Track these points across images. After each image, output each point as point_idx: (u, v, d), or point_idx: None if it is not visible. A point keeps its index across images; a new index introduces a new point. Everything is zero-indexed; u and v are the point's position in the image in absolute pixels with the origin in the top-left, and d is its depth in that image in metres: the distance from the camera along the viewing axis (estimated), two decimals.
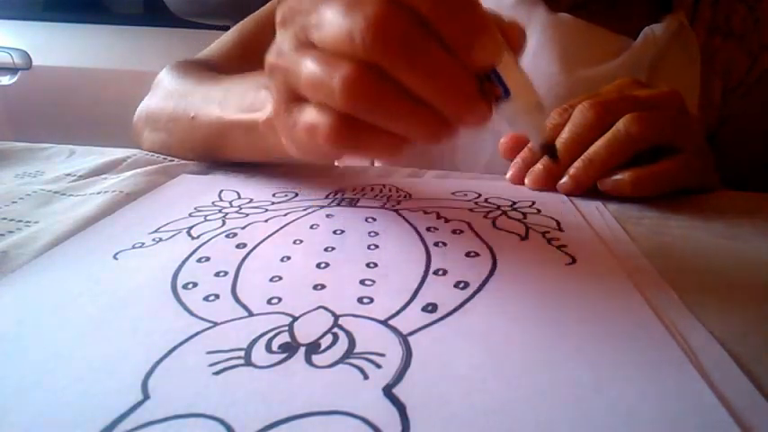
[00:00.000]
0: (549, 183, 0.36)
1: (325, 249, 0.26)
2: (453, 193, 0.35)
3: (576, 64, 0.48)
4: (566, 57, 0.48)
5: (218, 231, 0.29)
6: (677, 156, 0.34)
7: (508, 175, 0.38)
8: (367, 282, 0.23)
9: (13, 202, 0.33)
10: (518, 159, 0.38)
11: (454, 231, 0.28)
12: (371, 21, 0.19)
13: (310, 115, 0.22)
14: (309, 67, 0.21)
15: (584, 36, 0.49)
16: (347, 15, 0.20)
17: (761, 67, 0.50)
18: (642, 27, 0.48)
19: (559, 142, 0.34)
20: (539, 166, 0.36)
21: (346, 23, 0.20)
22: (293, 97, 0.23)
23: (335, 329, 0.19)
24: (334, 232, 0.28)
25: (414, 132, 0.22)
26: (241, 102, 0.35)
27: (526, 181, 0.37)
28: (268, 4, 0.60)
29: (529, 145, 0.36)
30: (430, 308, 0.21)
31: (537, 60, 0.49)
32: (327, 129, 0.21)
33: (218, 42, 0.58)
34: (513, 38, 0.23)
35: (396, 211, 0.32)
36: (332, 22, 0.21)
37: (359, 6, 0.20)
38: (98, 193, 0.35)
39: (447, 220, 0.30)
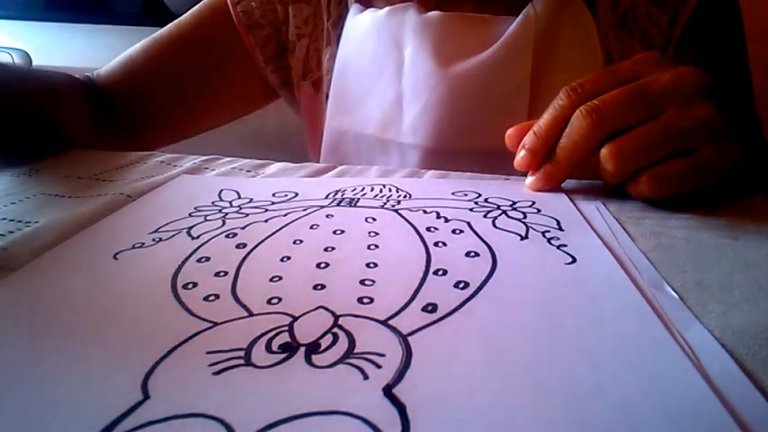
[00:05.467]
0: (548, 187, 0.36)
1: (325, 249, 0.26)
2: (453, 193, 0.35)
3: (452, 59, 0.47)
4: (439, 55, 0.48)
5: (218, 231, 0.29)
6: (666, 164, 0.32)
7: (515, 162, 0.36)
8: (367, 282, 0.23)
9: (12, 203, 0.33)
10: (522, 144, 0.36)
11: (454, 231, 0.28)
12: None
13: None
14: None
15: (457, 29, 0.48)
16: None
17: (683, 21, 0.48)
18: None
19: (558, 147, 0.34)
20: (540, 171, 0.36)
21: None
22: None
23: (335, 329, 0.19)
24: (334, 232, 0.28)
25: None
26: None
27: (526, 183, 0.36)
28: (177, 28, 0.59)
29: (533, 128, 0.35)
30: (430, 308, 0.21)
31: (414, 65, 0.49)
32: None
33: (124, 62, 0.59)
34: None
35: (396, 211, 0.32)
36: None
37: None
38: (98, 195, 0.35)
39: (447, 220, 0.30)
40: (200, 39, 0.59)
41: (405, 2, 0.51)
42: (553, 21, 0.47)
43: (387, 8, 0.51)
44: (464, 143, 0.39)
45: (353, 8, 0.54)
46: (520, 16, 0.46)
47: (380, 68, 0.51)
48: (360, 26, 0.53)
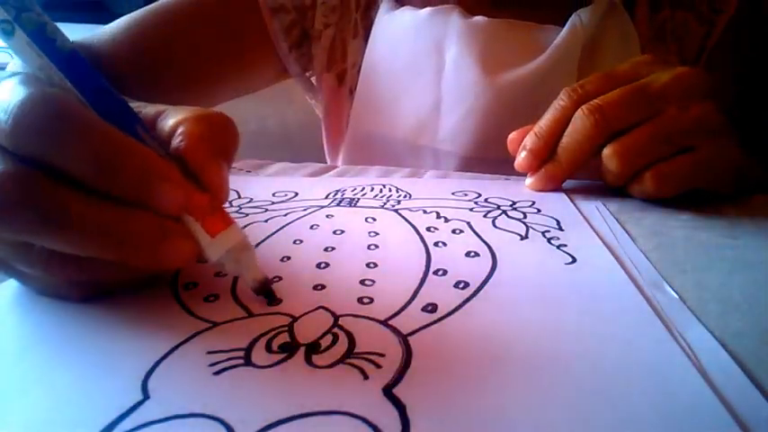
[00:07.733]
0: (549, 187, 0.36)
1: (325, 249, 0.26)
2: (453, 193, 0.35)
3: (498, 67, 0.46)
4: (484, 62, 0.46)
5: None
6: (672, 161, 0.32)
7: (516, 163, 0.37)
8: (367, 282, 0.23)
9: None
10: (522, 145, 0.36)
11: (454, 231, 0.28)
12: None
13: None
14: None
15: (503, 36, 0.47)
16: None
17: (718, 31, 0.48)
18: (573, 12, 0.46)
19: (560, 147, 0.34)
20: (541, 171, 0.36)
21: None
22: None
23: (335, 329, 0.19)
24: (334, 232, 0.28)
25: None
26: None
27: (526, 183, 0.36)
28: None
29: (534, 129, 0.35)
30: (430, 308, 0.21)
31: (457, 70, 0.47)
32: None
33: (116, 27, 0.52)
34: (211, 180, 0.21)
35: (396, 211, 0.32)
36: None
37: None
38: None
39: (447, 220, 0.30)
40: (219, 15, 0.54)
41: (445, 3, 0.50)
42: (599, 31, 0.46)
43: (428, 8, 0.49)
44: (504, 153, 0.38)
45: (386, 3, 0.52)
46: (567, 26, 0.46)
47: (418, 70, 0.49)
48: (395, 25, 0.51)
